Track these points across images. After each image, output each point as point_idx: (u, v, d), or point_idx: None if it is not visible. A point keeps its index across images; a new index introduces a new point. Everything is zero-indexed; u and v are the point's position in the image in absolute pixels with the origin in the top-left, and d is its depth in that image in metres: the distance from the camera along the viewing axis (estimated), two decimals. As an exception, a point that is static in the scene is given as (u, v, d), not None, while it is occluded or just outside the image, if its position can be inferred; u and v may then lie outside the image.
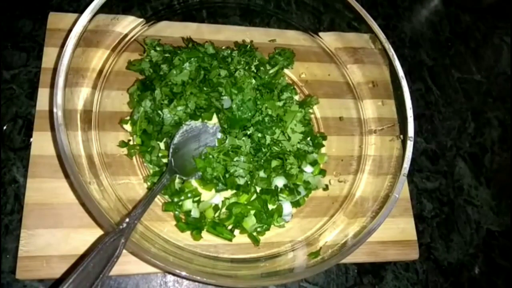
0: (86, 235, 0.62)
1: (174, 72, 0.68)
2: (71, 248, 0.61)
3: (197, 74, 0.69)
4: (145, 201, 0.57)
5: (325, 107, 0.80)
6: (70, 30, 0.57)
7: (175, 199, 0.65)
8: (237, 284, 0.55)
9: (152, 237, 0.60)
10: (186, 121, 0.67)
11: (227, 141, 0.66)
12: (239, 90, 0.69)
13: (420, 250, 0.73)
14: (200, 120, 0.68)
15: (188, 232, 0.64)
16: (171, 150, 0.66)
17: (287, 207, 0.68)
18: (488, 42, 1.05)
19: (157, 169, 0.68)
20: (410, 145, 0.63)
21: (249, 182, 0.66)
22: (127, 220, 0.51)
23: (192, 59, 0.70)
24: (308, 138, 0.73)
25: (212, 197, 0.67)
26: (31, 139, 0.66)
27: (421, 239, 0.76)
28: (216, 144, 0.68)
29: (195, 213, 0.65)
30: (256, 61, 0.76)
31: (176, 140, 0.66)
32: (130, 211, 0.60)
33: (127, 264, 0.61)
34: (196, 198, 0.66)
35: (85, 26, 0.58)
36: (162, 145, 0.69)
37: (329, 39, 0.80)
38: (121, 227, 0.50)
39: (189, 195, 0.65)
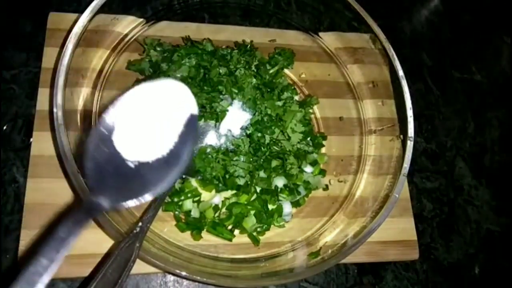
0: (86, 235, 0.61)
1: (173, 67, 0.68)
2: (71, 248, 0.61)
3: (197, 73, 0.69)
4: (156, 204, 0.57)
5: (325, 107, 0.80)
6: (70, 30, 0.57)
7: (175, 199, 0.65)
8: (237, 284, 0.55)
9: (152, 237, 0.60)
10: None
11: (227, 141, 0.66)
12: (240, 89, 0.69)
13: (420, 250, 0.73)
14: (202, 120, 0.68)
15: (188, 232, 0.64)
16: None
17: (287, 207, 0.68)
18: (488, 42, 1.05)
19: (157, 169, 0.68)
20: (410, 145, 0.63)
21: (249, 182, 0.66)
22: (140, 224, 0.52)
23: (192, 55, 0.70)
24: (308, 138, 0.73)
25: (212, 197, 0.67)
26: (31, 139, 0.66)
27: (421, 239, 0.76)
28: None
29: (195, 213, 0.65)
30: (256, 61, 0.76)
31: None
32: (142, 215, 0.60)
33: (127, 264, 0.61)
34: (196, 198, 0.66)
35: (85, 26, 0.58)
36: (162, 145, 0.69)
37: (329, 39, 0.80)
38: (134, 231, 0.51)
39: (189, 195, 0.65)
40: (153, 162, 0.38)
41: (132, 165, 0.37)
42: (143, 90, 0.41)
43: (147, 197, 0.37)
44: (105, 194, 0.35)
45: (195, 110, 0.42)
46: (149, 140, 0.39)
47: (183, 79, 0.68)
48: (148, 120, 0.40)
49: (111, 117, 0.39)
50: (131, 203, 0.37)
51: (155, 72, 0.71)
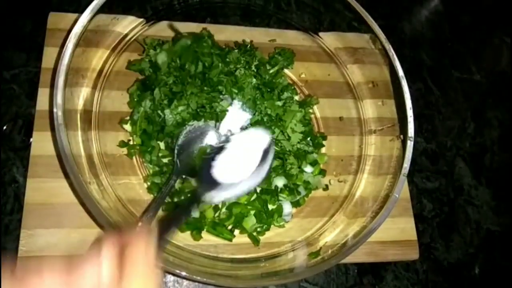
0: (86, 235, 0.62)
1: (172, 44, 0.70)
2: (71, 248, 0.61)
3: (195, 67, 0.69)
4: (155, 205, 0.57)
5: (325, 107, 0.80)
6: (70, 30, 0.57)
7: (175, 199, 0.65)
8: (237, 284, 0.55)
9: (152, 237, 0.59)
10: (189, 122, 0.67)
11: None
12: (240, 89, 0.69)
13: (420, 250, 0.73)
14: (202, 120, 0.68)
15: (188, 232, 0.64)
16: (175, 152, 0.66)
17: (287, 207, 0.68)
18: (488, 42, 1.05)
19: (157, 169, 0.68)
20: (410, 145, 0.63)
21: (249, 182, 0.66)
22: (140, 224, 0.51)
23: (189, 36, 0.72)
24: (308, 138, 0.73)
25: (212, 197, 0.67)
26: (31, 139, 0.66)
27: (421, 239, 0.76)
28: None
29: (195, 213, 0.65)
30: (256, 61, 0.76)
31: (180, 141, 0.66)
32: (141, 215, 0.60)
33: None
34: (196, 198, 0.66)
35: (85, 26, 0.58)
36: (162, 145, 0.69)
37: (329, 39, 0.80)
38: None
39: (189, 195, 0.65)
40: (238, 183, 0.56)
41: (223, 183, 0.55)
42: (238, 135, 0.62)
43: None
44: (206, 192, 0.54)
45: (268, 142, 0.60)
46: (237, 168, 0.57)
47: (183, 76, 0.68)
48: (238, 154, 0.58)
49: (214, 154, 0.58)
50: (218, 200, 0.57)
51: (154, 73, 0.71)
